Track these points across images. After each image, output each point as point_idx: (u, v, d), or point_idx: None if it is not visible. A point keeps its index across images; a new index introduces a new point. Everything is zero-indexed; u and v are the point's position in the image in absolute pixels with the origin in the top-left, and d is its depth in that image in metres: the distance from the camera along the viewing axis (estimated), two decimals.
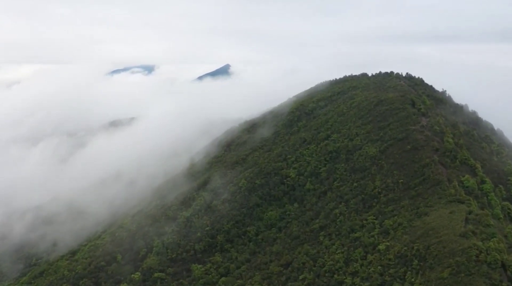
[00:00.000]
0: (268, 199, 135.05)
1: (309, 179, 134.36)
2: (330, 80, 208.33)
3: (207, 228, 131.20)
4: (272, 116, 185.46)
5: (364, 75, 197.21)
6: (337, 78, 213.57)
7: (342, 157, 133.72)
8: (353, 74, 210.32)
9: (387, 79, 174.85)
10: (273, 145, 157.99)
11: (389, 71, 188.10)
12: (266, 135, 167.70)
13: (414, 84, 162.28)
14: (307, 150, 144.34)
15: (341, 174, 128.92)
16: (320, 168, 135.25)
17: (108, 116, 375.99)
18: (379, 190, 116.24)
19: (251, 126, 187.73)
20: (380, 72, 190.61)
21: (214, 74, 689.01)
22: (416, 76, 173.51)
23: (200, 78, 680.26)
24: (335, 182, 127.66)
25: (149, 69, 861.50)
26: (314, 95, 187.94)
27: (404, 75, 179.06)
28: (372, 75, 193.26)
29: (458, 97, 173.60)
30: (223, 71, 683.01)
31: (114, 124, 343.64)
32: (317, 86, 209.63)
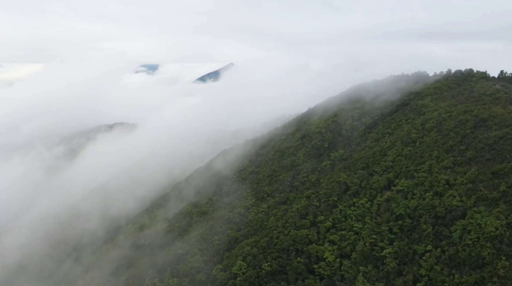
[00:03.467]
0: None
1: (361, 268, 71.60)
2: (370, 81, 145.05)
3: None
4: (285, 138, 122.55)
5: (423, 74, 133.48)
6: (378, 79, 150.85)
7: (426, 231, 70.55)
8: (397, 73, 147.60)
9: (471, 81, 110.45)
10: (291, 191, 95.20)
11: (462, 69, 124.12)
12: (278, 172, 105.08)
13: None
14: (353, 208, 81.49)
15: (429, 266, 65.81)
16: (383, 249, 72.42)
17: (107, 120, 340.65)
18: None
19: (254, 152, 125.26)
20: (449, 70, 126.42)
21: (217, 73, 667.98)
22: None
23: (203, 78, 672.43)
24: (418, 285, 64.76)
25: (152, 68, 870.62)
26: (350, 106, 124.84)
27: (493, 76, 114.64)
28: (436, 74, 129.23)
29: None
30: (226, 71, 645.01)
31: (113, 128, 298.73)
32: (350, 91, 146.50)
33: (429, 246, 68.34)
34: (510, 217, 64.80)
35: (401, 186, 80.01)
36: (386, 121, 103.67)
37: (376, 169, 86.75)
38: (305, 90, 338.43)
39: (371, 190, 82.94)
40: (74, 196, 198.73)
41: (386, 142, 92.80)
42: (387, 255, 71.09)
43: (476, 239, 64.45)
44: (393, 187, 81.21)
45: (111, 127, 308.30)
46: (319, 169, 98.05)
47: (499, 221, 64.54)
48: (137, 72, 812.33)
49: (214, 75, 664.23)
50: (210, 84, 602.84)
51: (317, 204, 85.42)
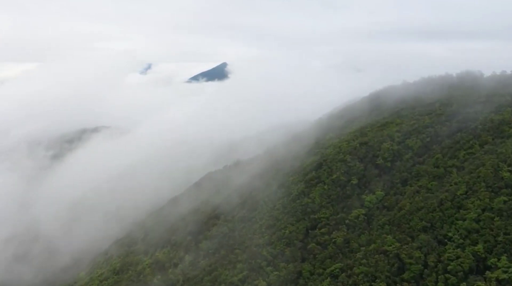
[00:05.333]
0: None
1: None
2: (400, 85, 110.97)
3: None
4: (291, 165, 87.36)
5: (475, 75, 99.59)
6: (408, 81, 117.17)
7: None
8: (429, 74, 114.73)
9: None
10: (304, 260, 59.86)
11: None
12: (282, 222, 69.84)
13: None
14: None
15: None
16: None
17: (97, 123, 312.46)
18: None
19: (247, 183, 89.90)
20: (504, 71, 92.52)
21: (210, 73, 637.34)
22: None
23: (196, 77, 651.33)
24: None
25: (145, 67, 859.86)
26: (381, 119, 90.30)
27: None
28: (495, 74, 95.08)
29: None
30: (219, 71, 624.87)
31: (100, 132, 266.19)
32: (373, 98, 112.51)
33: None
34: None
35: (505, 272, 45.14)
36: (446, 145, 68.79)
37: (450, 234, 51.81)
38: (310, 91, 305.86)
39: (447, 275, 47.96)
40: (42, 217, 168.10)
41: (458, 185, 57.87)
42: None
43: None
44: (488, 272, 46.27)
45: (102, 129, 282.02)
46: (346, 222, 62.88)
47: None
48: (130, 71, 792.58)
49: (207, 75, 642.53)
50: (204, 84, 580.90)
51: None
